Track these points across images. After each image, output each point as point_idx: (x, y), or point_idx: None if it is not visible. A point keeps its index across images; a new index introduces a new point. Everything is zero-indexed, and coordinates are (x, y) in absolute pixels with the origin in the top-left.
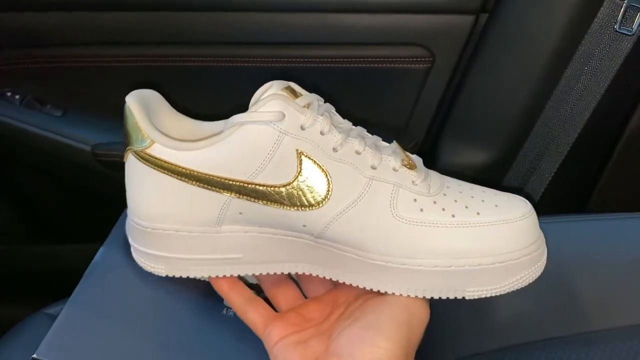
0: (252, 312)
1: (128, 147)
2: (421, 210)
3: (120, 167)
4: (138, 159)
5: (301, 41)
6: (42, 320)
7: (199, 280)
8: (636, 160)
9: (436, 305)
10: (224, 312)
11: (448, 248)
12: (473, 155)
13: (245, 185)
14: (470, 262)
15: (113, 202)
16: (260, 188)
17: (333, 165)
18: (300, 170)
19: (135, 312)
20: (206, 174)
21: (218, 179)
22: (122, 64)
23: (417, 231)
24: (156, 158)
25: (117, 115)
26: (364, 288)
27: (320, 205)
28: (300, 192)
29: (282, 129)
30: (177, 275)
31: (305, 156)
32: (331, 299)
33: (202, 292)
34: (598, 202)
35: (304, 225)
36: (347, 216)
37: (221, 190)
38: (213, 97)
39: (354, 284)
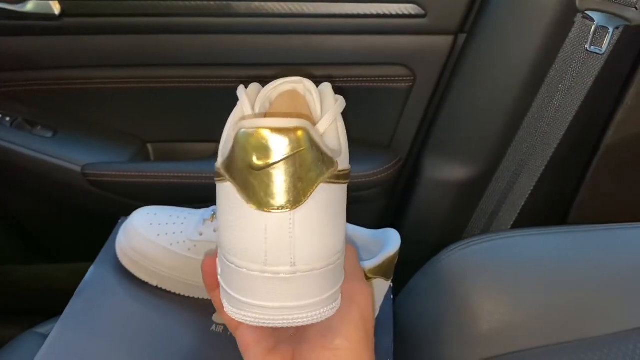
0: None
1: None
2: None
3: (109, 187)
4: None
5: (287, 62)
6: (33, 339)
7: (188, 297)
8: (612, 174)
9: (422, 313)
10: (213, 328)
11: None
12: (454, 171)
13: None
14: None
15: (103, 221)
16: None
17: None
18: None
19: (125, 330)
20: None
21: None
22: (111, 86)
23: None
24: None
25: (106, 135)
26: None
27: None
28: None
29: None
30: None
31: None
32: None
33: (192, 309)
34: (577, 215)
35: None
36: None
37: None
38: (202, 117)
39: None
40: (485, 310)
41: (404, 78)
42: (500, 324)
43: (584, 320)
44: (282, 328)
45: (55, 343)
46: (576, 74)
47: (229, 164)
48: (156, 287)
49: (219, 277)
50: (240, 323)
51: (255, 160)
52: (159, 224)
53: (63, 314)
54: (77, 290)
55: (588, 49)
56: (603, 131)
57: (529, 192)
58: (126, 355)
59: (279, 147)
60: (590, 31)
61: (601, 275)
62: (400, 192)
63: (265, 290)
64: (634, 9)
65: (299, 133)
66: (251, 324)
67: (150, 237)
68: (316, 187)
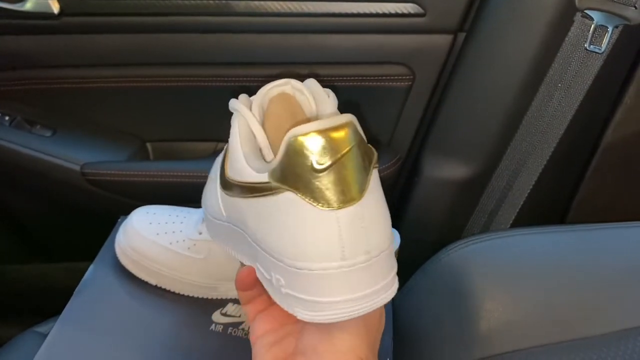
0: (251, 304)
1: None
2: None
3: (108, 186)
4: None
5: (286, 61)
6: (33, 339)
7: (187, 296)
8: (612, 172)
9: (421, 312)
10: (212, 327)
11: None
12: (454, 170)
13: None
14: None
15: (102, 220)
16: None
17: None
18: None
19: (125, 329)
20: None
21: None
22: (111, 85)
23: None
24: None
25: (105, 135)
26: None
27: None
28: None
29: None
30: None
31: None
32: None
33: (191, 308)
34: (577, 214)
35: None
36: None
37: None
38: (201, 116)
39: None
40: (485, 309)
41: (404, 77)
42: (500, 322)
43: (583, 318)
44: (291, 322)
45: (55, 342)
46: (575, 73)
47: (284, 174)
48: (155, 286)
49: (276, 289)
50: (258, 314)
51: (316, 163)
52: (159, 223)
53: (62, 313)
54: (76, 289)
55: (587, 48)
56: (602, 130)
57: (529, 191)
58: (126, 354)
59: (336, 145)
60: (589, 30)
61: (600, 274)
62: (399, 190)
63: (346, 284)
64: (633, 8)
65: (350, 127)
66: (335, 320)
67: (150, 236)
68: (371, 174)
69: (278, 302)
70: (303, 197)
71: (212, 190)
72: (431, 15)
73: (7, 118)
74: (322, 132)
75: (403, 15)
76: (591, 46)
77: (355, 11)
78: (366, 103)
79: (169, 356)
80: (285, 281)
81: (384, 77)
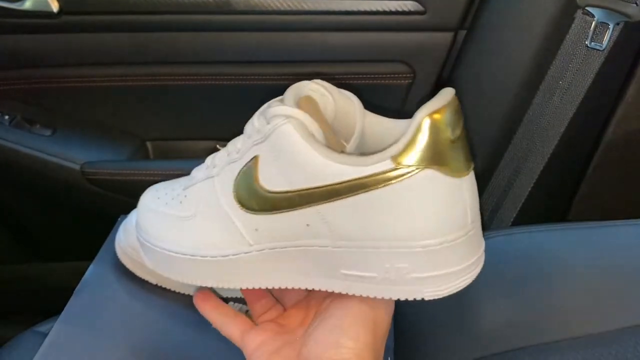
0: (229, 326)
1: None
2: None
3: (108, 185)
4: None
5: (286, 59)
6: (33, 338)
7: (188, 295)
8: (614, 169)
9: (422, 312)
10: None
11: None
12: None
13: None
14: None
15: (102, 220)
16: None
17: None
18: None
19: (125, 328)
20: None
21: None
22: (111, 84)
23: None
24: None
25: (105, 134)
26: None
27: None
28: None
29: None
30: None
31: None
32: (305, 304)
33: (192, 307)
34: (578, 211)
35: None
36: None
37: None
38: (201, 115)
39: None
40: (487, 307)
41: (404, 75)
42: (503, 321)
43: (585, 317)
44: (291, 330)
45: (55, 342)
46: (576, 70)
47: (422, 152)
48: (156, 285)
49: (395, 281)
50: (247, 331)
51: (451, 134)
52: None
53: (63, 312)
54: (76, 289)
55: (588, 45)
56: (603, 127)
57: (530, 188)
58: (126, 354)
59: (458, 115)
60: (590, 27)
61: (602, 272)
62: None
63: (468, 250)
64: (634, 5)
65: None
66: (461, 288)
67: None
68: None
69: (394, 296)
70: (441, 170)
71: (210, 223)
72: (431, 12)
73: (6, 117)
74: (450, 105)
75: (403, 12)
76: (592, 43)
77: (355, 9)
78: (366, 101)
79: (170, 355)
80: (411, 266)
81: (384, 75)
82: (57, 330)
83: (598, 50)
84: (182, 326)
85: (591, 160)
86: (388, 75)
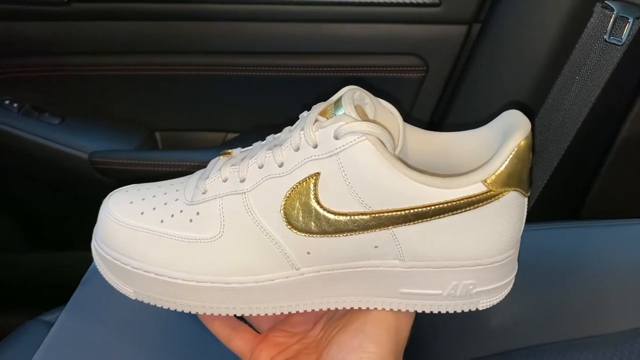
0: (237, 340)
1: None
2: None
3: (116, 175)
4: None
5: (298, 51)
6: (39, 327)
7: None
8: (628, 167)
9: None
10: None
11: None
12: None
13: None
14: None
15: None
16: None
17: None
18: None
19: (131, 319)
20: None
21: None
22: (120, 73)
23: None
24: None
25: (114, 123)
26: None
27: None
28: None
29: None
30: None
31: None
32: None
33: None
34: (591, 209)
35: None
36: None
37: None
38: (211, 106)
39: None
40: (494, 305)
41: (417, 68)
42: (510, 319)
43: (594, 317)
44: (302, 336)
45: (61, 331)
46: (594, 65)
47: (510, 176)
48: None
49: (461, 297)
50: (257, 345)
51: (532, 157)
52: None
53: (69, 302)
54: (83, 278)
55: (607, 39)
56: (620, 124)
57: (543, 185)
58: (132, 344)
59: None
60: (609, 21)
61: (612, 272)
62: None
63: (515, 264)
64: None
65: None
66: (503, 297)
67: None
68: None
69: (453, 310)
70: (522, 192)
71: (242, 247)
72: (446, 5)
73: (15, 105)
74: (530, 132)
75: (417, 4)
76: (611, 38)
77: (369, 0)
78: (378, 94)
79: (175, 346)
80: (477, 281)
81: (396, 68)
82: (64, 319)
83: (617, 44)
84: (188, 317)
85: (606, 158)
86: (400, 68)
